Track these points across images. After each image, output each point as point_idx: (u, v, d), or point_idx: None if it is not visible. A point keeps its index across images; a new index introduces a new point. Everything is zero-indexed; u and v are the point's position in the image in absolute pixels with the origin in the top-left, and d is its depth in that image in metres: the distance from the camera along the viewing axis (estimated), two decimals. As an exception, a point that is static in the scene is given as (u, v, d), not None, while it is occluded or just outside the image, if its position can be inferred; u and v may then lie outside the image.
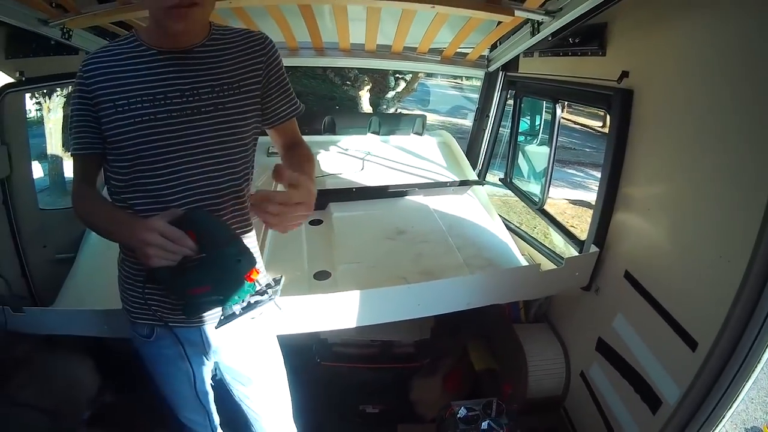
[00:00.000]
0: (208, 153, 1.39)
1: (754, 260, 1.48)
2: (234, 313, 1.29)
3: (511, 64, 3.58)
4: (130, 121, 1.33)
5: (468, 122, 16.01)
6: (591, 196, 9.52)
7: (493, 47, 3.51)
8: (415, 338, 3.02)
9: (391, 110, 11.64)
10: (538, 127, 4.26)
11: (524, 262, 2.69)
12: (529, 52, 3.19)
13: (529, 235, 3.39)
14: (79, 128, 1.39)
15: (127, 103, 1.32)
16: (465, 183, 3.34)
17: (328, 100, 12.35)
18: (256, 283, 1.32)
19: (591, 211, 8.10)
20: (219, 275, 1.27)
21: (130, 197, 1.41)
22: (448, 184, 3.32)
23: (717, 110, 1.77)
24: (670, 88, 2.04)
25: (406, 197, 3.15)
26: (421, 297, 2.13)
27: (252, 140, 1.52)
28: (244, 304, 1.30)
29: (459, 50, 3.51)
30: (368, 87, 10.93)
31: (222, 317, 1.31)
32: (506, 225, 3.20)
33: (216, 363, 1.69)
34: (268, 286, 1.35)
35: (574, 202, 9.12)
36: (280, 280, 1.38)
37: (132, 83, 1.33)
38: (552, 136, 3.26)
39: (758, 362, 1.52)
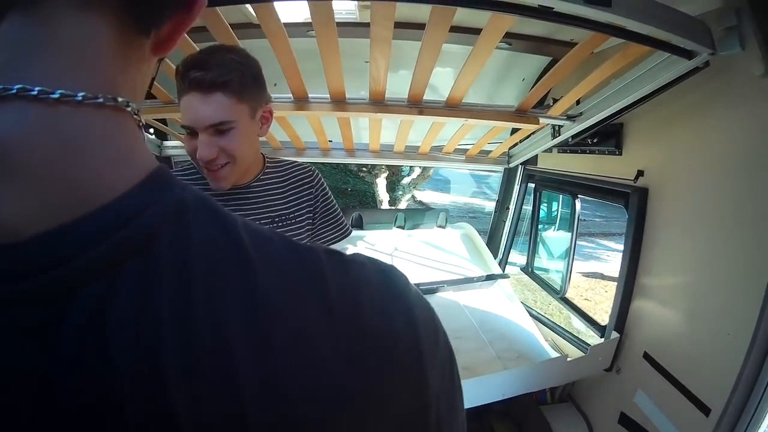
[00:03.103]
0: None
1: (756, 336, 1.67)
2: None
3: (531, 158, 3.72)
4: None
5: (480, 200, 16.22)
6: (603, 267, 9.53)
7: (514, 145, 3.66)
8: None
9: (407, 196, 11.81)
10: (555, 213, 4.35)
11: (550, 350, 2.79)
12: (548, 149, 3.32)
13: (552, 321, 3.46)
14: None
15: None
16: (491, 277, 3.45)
17: (340, 193, 12.59)
18: None
19: (604, 282, 8.03)
20: None
21: None
22: (475, 279, 3.42)
23: (721, 206, 1.96)
24: (681, 187, 2.22)
25: (437, 294, 3.23)
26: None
27: None
28: None
29: (482, 148, 3.64)
30: (385, 174, 11.14)
31: None
32: (529, 313, 3.29)
33: None
34: None
35: (587, 275, 9.12)
36: None
37: None
38: (572, 230, 3.38)
39: (762, 421, 1.68)
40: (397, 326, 0.42)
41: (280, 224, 1.49)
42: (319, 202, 1.64)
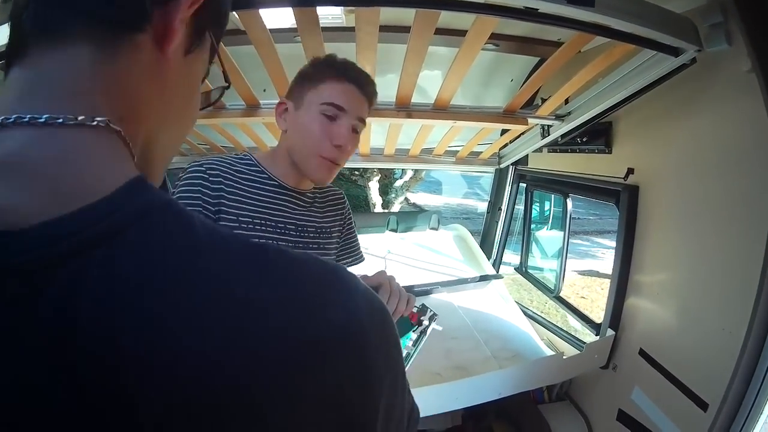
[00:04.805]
0: None
1: (751, 330, 1.67)
2: (408, 354, 1.36)
3: (521, 159, 3.74)
4: None
5: (473, 201, 16.23)
6: (598, 265, 9.57)
7: (504, 146, 3.67)
8: (447, 425, 3.03)
9: (400, 199, 11.80)
10: (548, 212, 4.36)
11: (546, 349, 2.79)
12: (538, 149, 3.33)
13: (547, 320, 3.47)
14: None
15: (251, 223, 1.37)
16: (485, 278, 3.44)
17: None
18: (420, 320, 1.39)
19: (599, 280, 8.02)
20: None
21: None
22: (469, 280, 3.42)
23: (712, 202, 1.97)
24: (671, 183, 2.23)
25: (431, 295, 3.22)
26: (458, 392, 2.21)
27: None
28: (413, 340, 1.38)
29: (472, 150, 3.65)
30: (377, 178, 11.12)
31: None
32: (524, 312, 3.30)
33: None
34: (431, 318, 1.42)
35: (583, 273, 9.15)
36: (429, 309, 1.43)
37: (256, 206, 1.39)
38: (564, 229, 3.39)
39: (761, 415, 1.68)
40: (336, 310, 0.47)
41: (321, 235, 1.55)
42: (345, 227, 1.71)
